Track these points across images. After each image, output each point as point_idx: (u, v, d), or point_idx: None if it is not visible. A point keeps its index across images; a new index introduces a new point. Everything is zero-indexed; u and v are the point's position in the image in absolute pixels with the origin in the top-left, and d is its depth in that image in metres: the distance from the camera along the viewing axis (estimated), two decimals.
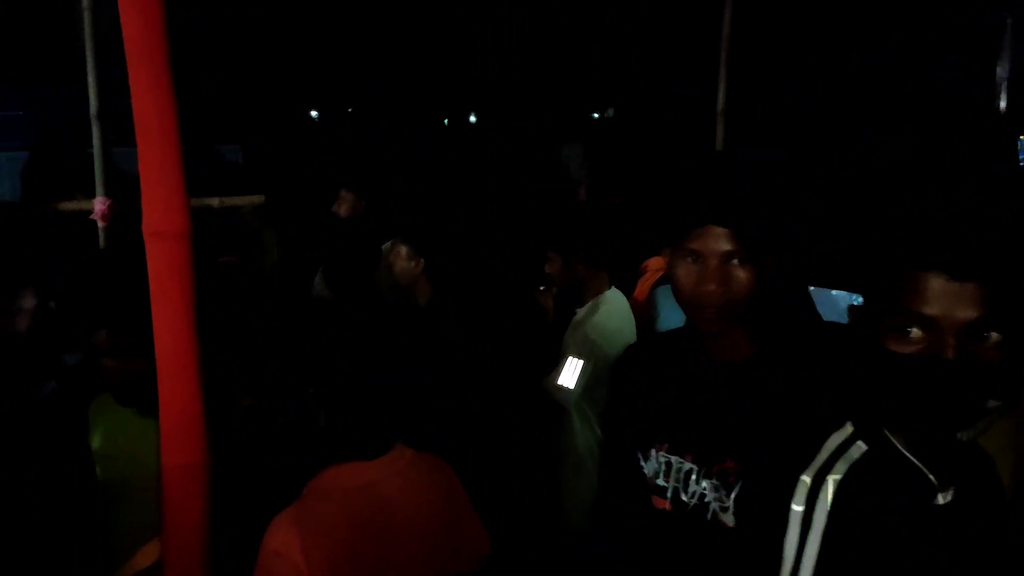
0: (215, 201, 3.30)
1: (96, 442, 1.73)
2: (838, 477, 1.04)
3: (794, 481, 1.06)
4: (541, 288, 2.98)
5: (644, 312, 2.93)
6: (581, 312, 2.84)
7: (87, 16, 3.10)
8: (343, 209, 3.46)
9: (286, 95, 7.33)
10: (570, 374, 2.63)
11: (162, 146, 1.29)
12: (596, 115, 10.43)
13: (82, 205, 3.18)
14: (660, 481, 1.43)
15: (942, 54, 5.84)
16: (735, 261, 1.29)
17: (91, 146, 3.24)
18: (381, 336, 1.59)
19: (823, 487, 1.04)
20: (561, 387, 2.63)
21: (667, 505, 1.42)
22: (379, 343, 1.57)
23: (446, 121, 11.07)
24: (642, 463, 1.47)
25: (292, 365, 1.53)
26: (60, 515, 1.54)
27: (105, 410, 1.76)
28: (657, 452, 1.45)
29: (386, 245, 3.35)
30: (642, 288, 3.22)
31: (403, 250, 2.81)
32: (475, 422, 2.42)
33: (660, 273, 3.20)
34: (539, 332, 2.96)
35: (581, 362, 2.62)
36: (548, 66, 8.76)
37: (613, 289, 2.88)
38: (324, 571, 1.38)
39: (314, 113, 12.01)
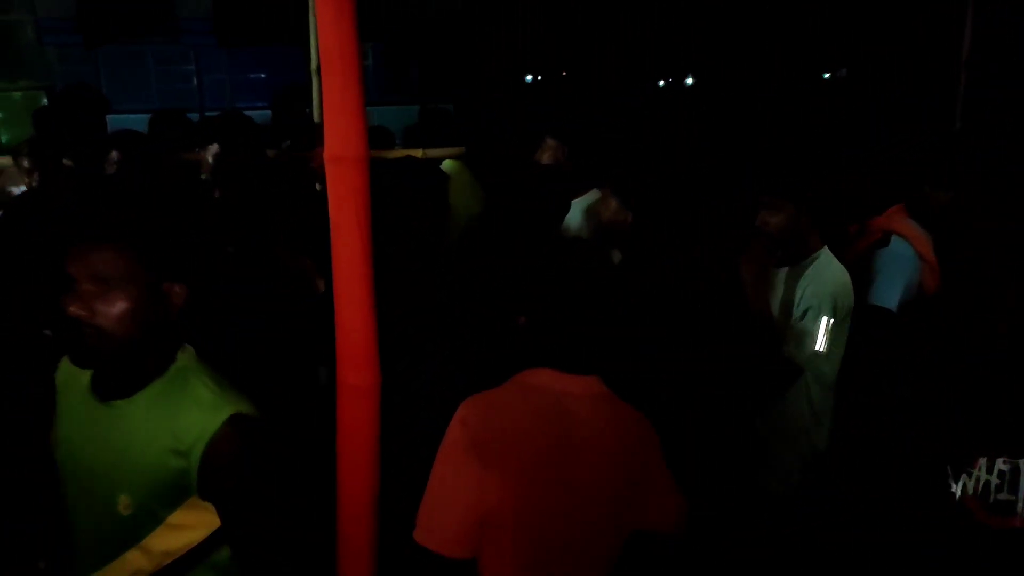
0: (419, 152, 3.44)
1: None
2: None
3: None
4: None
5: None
6: (804, 268, 2.62)
7: None
8: (545, 156, 3.46)
9: (502, 59, 7.49)
10: (822, 335, 2.47)
11: (344, 76, 1.33)
12: (827, 75, 9.76)
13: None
14: (1003, 495, 1.26)
15: None
16: None
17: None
18: (599, 277, 1.60)
19: None
20: (817, 353, 2.47)
21: (1018, 522, 1.24)
22: (597, 282, 1.58)
23: (661, 83, 10.84)
24: (951, 482, 1.30)
25: (501, 298, 1.58)
26: None
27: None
28: (992, 462, 1.27)
29: (587, 196, 3.32)
30: (855, 249, 2.96)
31: (613, 202, 2.75)
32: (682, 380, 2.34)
33: (878, 236, 2.92)
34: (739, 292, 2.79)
35: (830, 320, 2.45)
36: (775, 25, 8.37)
37: (899, 240, 2.76)
38: (501, 449, 1.43)
39: (528, 77, 12.18)
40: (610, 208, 2.72)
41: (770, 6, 8.84)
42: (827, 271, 2.55)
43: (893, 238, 2.88)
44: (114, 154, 2.99)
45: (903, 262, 2.82)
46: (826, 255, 2.61)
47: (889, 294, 2.76)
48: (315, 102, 3.46)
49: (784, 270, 2.66)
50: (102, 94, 4.49)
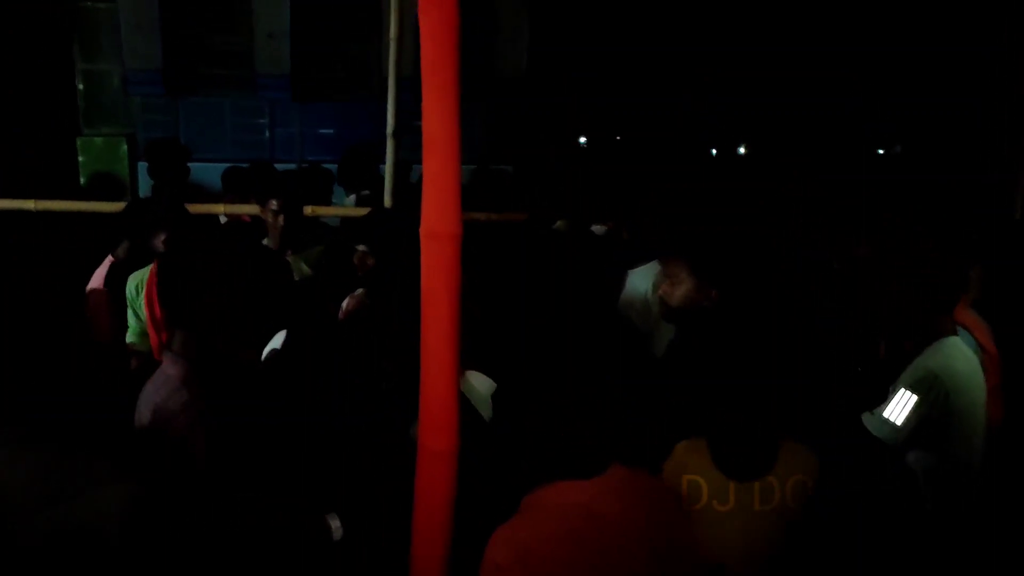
0: (481, 216, 3.54)
1: None
2: None
3: None
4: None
5: None
6: (927, 349, 2.54)
7: (392, 46, 3.46)
8: (600, 225, 3.53)
9: (560, 122, 7.64)
10: (899, 407, 2.39)
11: (444, 156, 1.41)
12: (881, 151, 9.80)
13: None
14: None
15: None
16: None
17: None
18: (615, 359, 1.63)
19: None
20: (887, 420, 2.40)
21: None
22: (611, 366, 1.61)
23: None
24: None
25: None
26: None
27: None
28: None
29: (646, 268, 3.32)
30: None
31: (686, 277, 2.63)
32: None
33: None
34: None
35: (914, 396, 2.37)
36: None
37: (961, 331, 2.58)
38: None
39: (583, 139, 12.35)
40: (686, 284, 2.62)
41: (825, 79, 8.90)
42: (940, 352, 2.45)
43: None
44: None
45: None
46: (952, 343, 2.51)
47: None
48: (388, 162, 3.58)
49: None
50: (185, 146, 4.74)
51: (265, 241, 3.23)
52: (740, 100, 9.83)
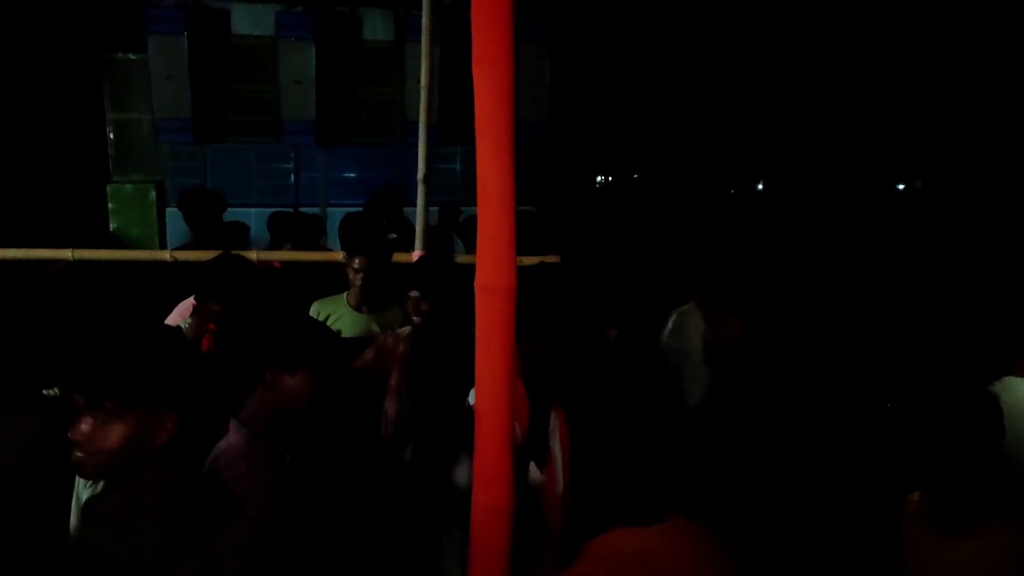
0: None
1: None
2: None
3: None
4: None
5: None
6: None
7: (424, 95, 3.51)
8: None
9: (578, 163, 7.71)
10: None
11: (499, 211, 1.42)
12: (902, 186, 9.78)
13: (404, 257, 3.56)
14: None
15: None
16: None
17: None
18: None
19: None
20: None
21: None
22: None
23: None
24: None
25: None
26: None
27: None
28: None
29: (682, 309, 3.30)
30: None
31: (721, 316, 2.66)
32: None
33: None
34: None
35: None
36: None
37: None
38: None
39: (599, 178, 12.38)
40: (720, 322, 2.65)
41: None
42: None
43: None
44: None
45: None
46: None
47: None
48: (419, 207, 3.61)
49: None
50: (219, 194, 4.84)
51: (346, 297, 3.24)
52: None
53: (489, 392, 1.46)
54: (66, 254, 3.58)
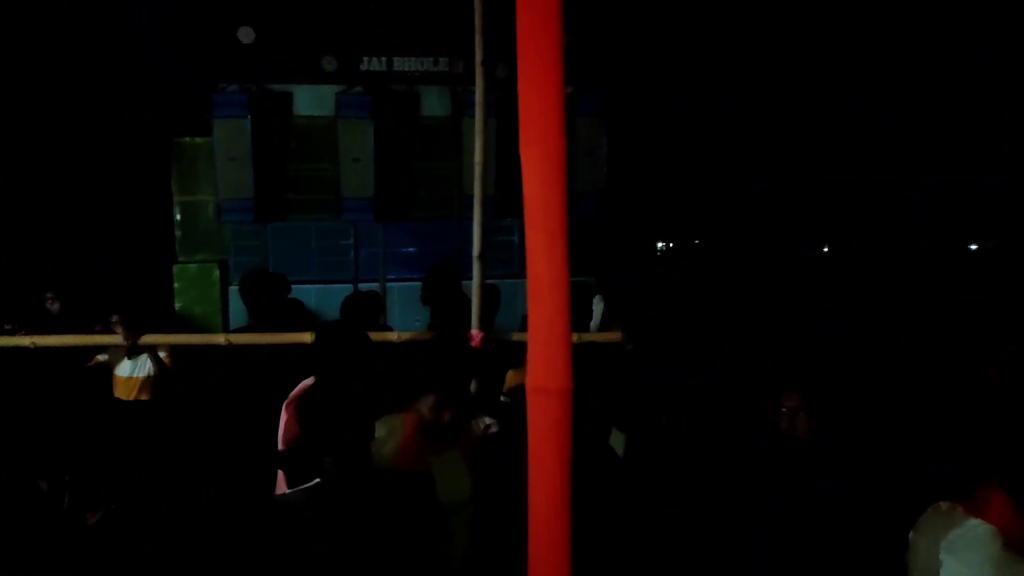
0: (574, 337, 3.43)
1: None
2: None
3: None
4: None
5: None
6: None
7: (478, 170, 3.48)
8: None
9: (639, 230, 7.62)
10: None
11: (552, 305, 1.32)
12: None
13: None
14: None
15: None
16: None
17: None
18: None
19: None
20: None
21: None
22: None
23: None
24: None
25: None
26: None
27: None
28: None
29: None
30: None
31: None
32: None
33: None
34: None
35: None
36: None
37: None
38: None
39: (660, 244, 12.23)
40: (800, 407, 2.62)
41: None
42: None
43: None
44: None
45: None
46: None
47: None
48: (475, 283, 3.56)
49: None
50: (281, 276, 4.92)
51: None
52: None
53: (543, 501, 1.34)
54: (219, 339, 3.75)
